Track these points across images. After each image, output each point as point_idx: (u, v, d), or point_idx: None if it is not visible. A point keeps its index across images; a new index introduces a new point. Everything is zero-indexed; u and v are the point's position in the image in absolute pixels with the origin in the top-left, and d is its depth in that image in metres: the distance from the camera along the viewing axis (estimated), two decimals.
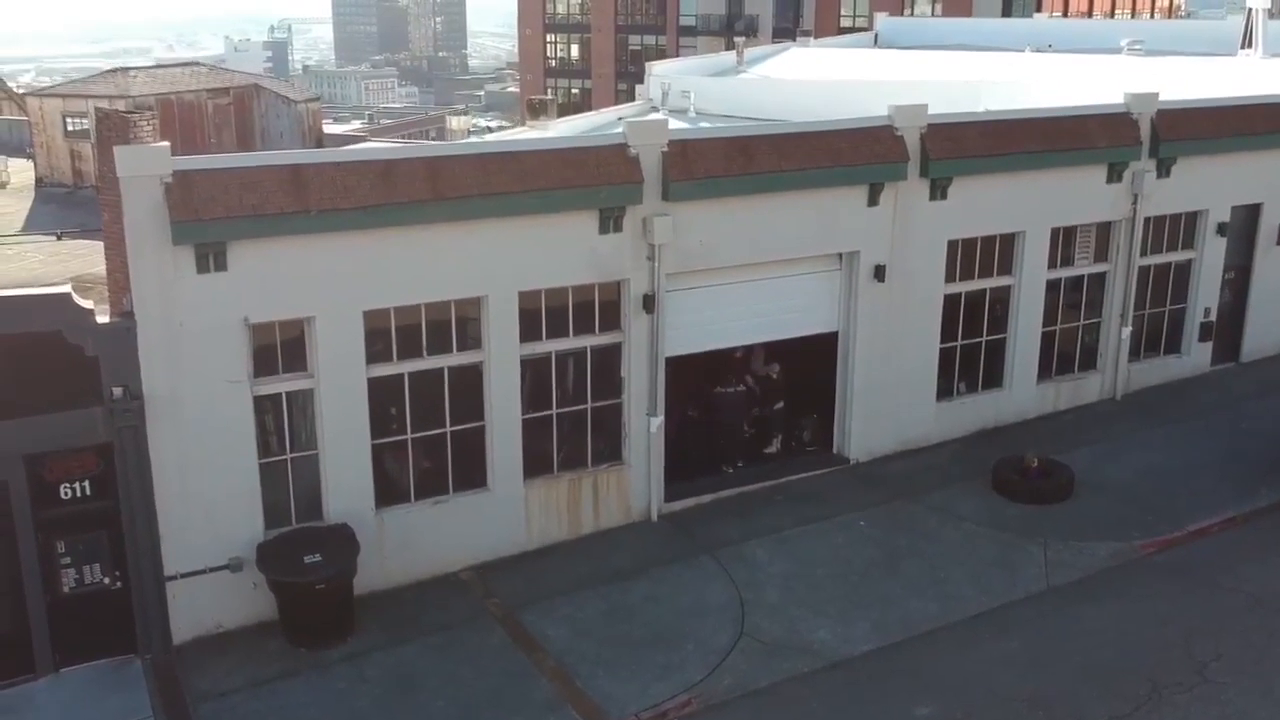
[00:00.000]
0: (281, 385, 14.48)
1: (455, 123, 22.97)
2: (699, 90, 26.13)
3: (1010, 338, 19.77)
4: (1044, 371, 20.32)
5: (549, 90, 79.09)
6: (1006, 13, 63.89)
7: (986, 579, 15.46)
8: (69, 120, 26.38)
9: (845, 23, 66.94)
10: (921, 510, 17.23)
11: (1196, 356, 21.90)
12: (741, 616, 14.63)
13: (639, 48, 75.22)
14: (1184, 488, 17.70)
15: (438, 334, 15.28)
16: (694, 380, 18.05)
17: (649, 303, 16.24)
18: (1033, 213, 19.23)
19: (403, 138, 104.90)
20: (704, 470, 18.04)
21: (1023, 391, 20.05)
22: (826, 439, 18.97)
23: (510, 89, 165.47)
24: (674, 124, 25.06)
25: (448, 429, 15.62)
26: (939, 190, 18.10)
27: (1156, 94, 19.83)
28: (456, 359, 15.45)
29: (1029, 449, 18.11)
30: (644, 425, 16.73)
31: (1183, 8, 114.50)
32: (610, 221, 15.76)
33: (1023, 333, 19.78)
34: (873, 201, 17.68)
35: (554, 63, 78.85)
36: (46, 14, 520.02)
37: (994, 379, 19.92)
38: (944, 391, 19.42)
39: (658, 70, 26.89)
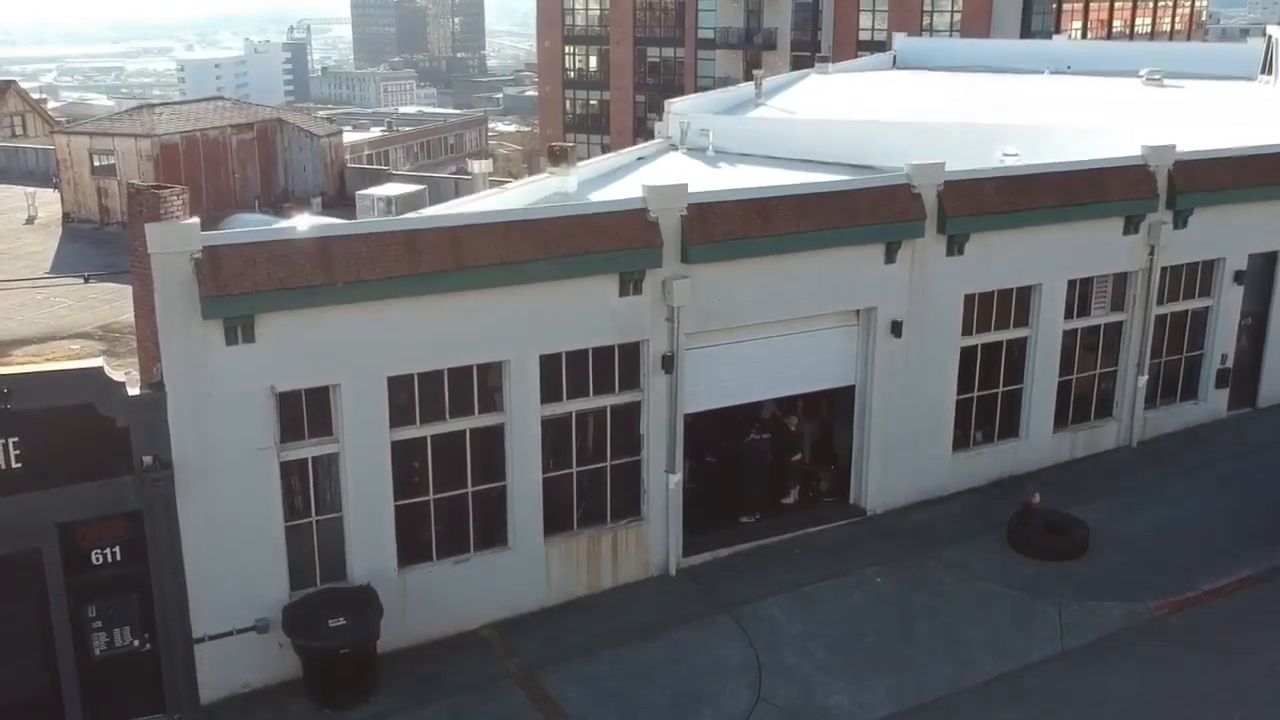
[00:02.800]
0: (307, 450, 14.76)
1: (477, 166, 23.12)
2: (717, 129, 26.30)
3: (1026, 388, 19.88)
4: (1060, 420, 20.42)
5: (567, 101, 79.39)
6: (1026, 31, 63.73)
7: (1001, 641, 15.62)
8: (96, 157, 26.81)
9: (864, 36, 66.95)
10: (937, 566, 17.38)
11: (1213, 402, 21.96)
12: (759, 680, 14.82)
13: (657, 60, 75.33)
14: (1199, 544, 17.79)
15: (460, 397, 15.52)
16: (713, 430, 18.26)
17: (668, 363, 16.45)
18: (1049, 265, 19.35)
19: (423, 144, 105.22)
20: (722, 520, 18.24)
21: (1039, 440, 20.16)
22: (844, 489, 19.14)
23: (529, 92, 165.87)
24: (692, 163, 25.50)
25: (469, 489, 15.87)
26: (956, 246, 18.25)
27: (1173, 146, 19.91)
28: (478, 421, 15.70)
29: (1043, 500, 18.21)
30: (663, 482, 16.94)
31: (1205, 10, 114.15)
32: (630, 284, 15.97)
33: (1039, 383, 19.90)
34: (890, 258, 17.84)
35: (572, 74, 78.98)
36: (69, 9, 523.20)
37: (1010, 428, 20.04)
38: (960, 442, 19.56)
39: (676, 108, 27.05)
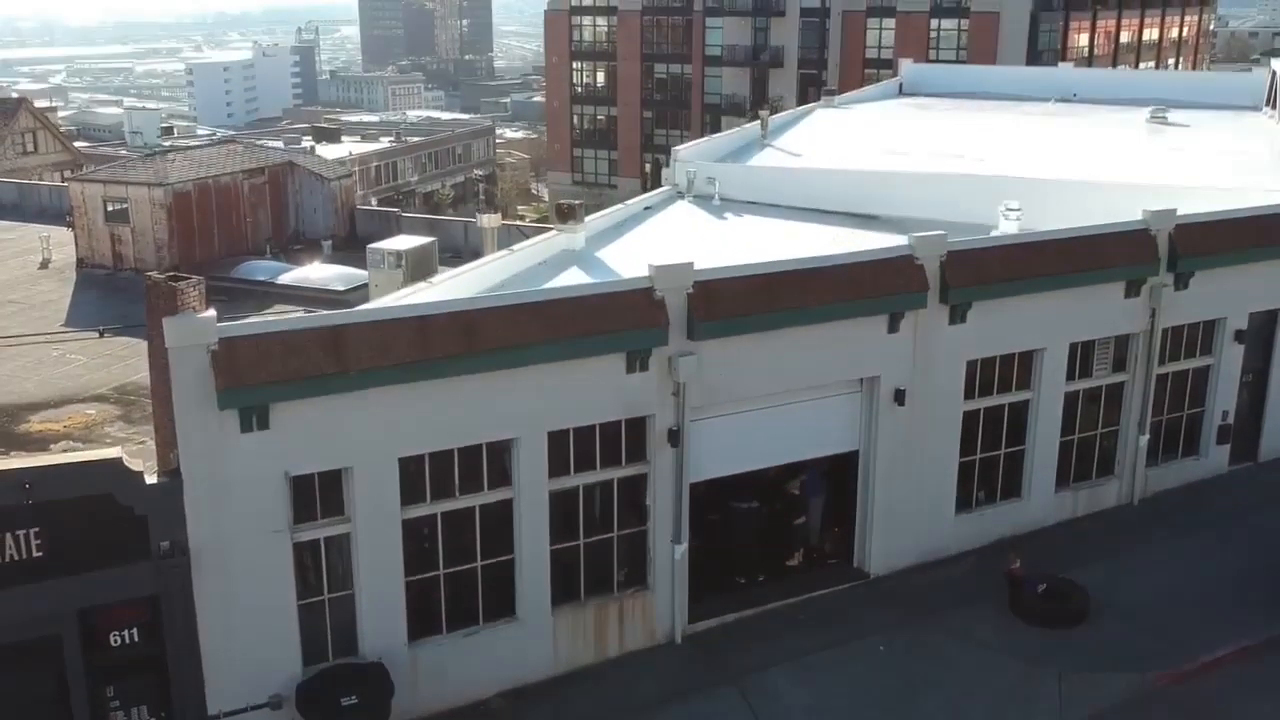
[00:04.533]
0: (320, 531, 15.07)
1: (485, 220, 23.38)
2: (723, 177, 26.55)
3: (1029, 449, 20.12)
4: (1062, 479, 20.64)
5: (574, 116, 79.66)
6: (1033, 46, 63.91)
7: (1002, 713, 15.87)
8: (109, 204, 27.13)
9: (870, 54, 67.23)
10: (939, 633, 17.61)
11: (1215, 458, 22.16)
12: None
13: (665, 76, 75.65)
14: (1200, 610, 17.98)
15: (470, 474, 15.81)
16: (713, 493, 18.55)
17: (674, 437, 16.73)
18: (1051, 329, 19.58)
19: (430, 155, 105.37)
20: (725, 582, 18.52)
21: (1041, 500, 20.40)
22: (847, 550, 19.40)
23: (536, 98, 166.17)
24: (698, 213, 25.76)
25: (478, 563, 16.17)
26: (959, 314, 18.49)
27: (1174, 210, 20.12)
28: (487, 497, 15.99)
29: (1043, 563, 18.50)
30: (669, 551, 17.21)
31: (1211, 19, 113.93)
32: (637, 362, 16.25)
33: (1041, 444, 20.13)
34: (893, 328, 18.09)
35: (580, 89, 79.31)
36: (79, 9, 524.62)
37: (1012, 489, 20.27)
38: (963, 503, 19.80)
39: (683, 155, 27.27)
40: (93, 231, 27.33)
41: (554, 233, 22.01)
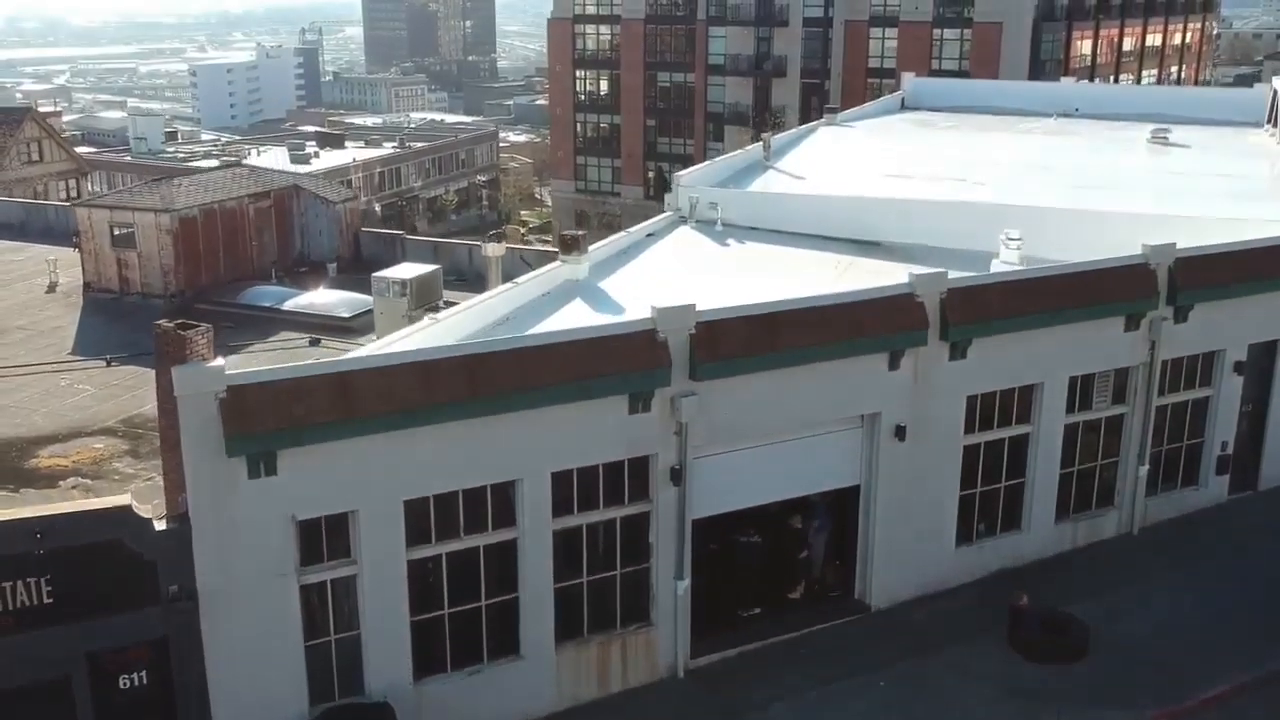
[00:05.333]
0: (326, 574, 15.25)
1: (490, 249, 23.58)
2: (725, 202, 26.69)
3: (1029, 481, 20.26)
4: (1062, 510, 20.78)
5: (578, 124, 79.80)
6: (1035, 54, 64.02)
7: None
8: (116, 229, 27.32)
9: (873, 64, 67.34)
10: (939, 669, 17.75)
11: (1214, 488, 22.29)
12: None
13: (668, 85, 75.80)
14: (1199, 644, 18.12)
15: (474, 514, 15.98)
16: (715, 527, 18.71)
17: (677, 475, 16.90)
18: (1051, 364, 19.72)
19: (434, 160, 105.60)
20: (727, 616, 18.68)
21: (1041, 531, 20.54)
22: (849, 583, 19.55)
23: (539, 101, 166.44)
24: (701, 239, 25.92)
25: (482, 602, 16.34)
26: (959, 351, 18.63)
27: (1174, 244, 20.26)
28: (492, 537, 16.16)
29: (1043, 595, 18.63)
30: (671, 588, 17.38)
31: (1214, 25, 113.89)
32: (640, 402, 16.41)
33: (1041, 476, 20.27)
34: (894, 365, 18.23)
35: (583, 98, 79.46)
36: (82, 6, 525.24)
37: (1012, 521, 20.41)
38: (963, 535, 19.94)
39: (685, 181, 27.42)
40: (99, 256, 27.52)
41: (558, 263, 22.16)
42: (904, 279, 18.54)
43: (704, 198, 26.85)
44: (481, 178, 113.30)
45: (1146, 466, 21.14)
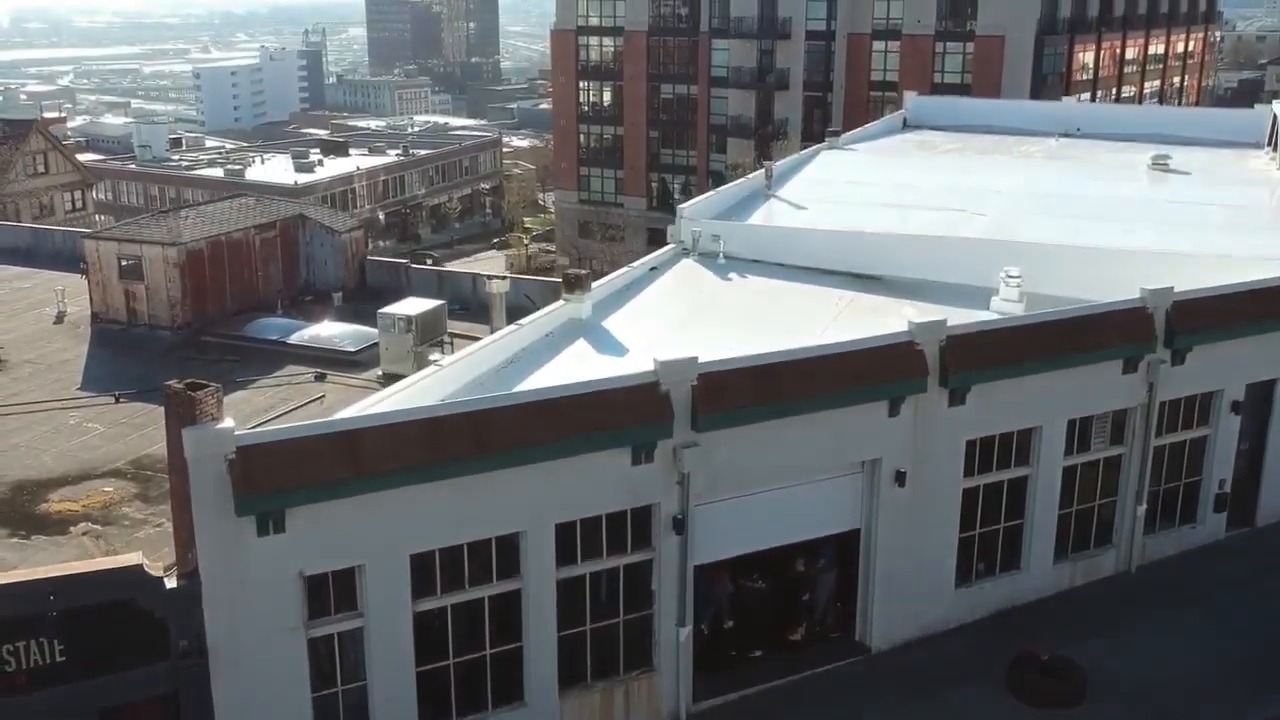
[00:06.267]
0: (334, 627, 15.49)
1: (494, 285, 23.82)
2: (727, 235, 26.89)
3: (1027, 522, 20.45)
4: (1060, 550, 20.96)
5: (581, 135, 80.00)
6: (1038, 70, 64.20)
7: None
8: (123, 261, 27.56)
9: (875, 77, 67.53)
10: (938, 713, 17.97)
11: (1212, 525, 22.48)
12: None
13: (670, 96, 76.00)
14: (1198, 688, 18.30)
15: (479, 566, 16.22)
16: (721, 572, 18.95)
17: (679, 524, 17.11)
18: (1050, 407, 19.91)
19: (437, 168, 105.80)
20: (731, 659, 18.90)
21: (1040, 571, 20.73)
22: (849, 624, 19.77)
23: (543, 105, 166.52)
24: (703, 273, 26.13)
25: (487, 651, 16.57)
26: (958, 397, 18.84)
27: (1171, 288, 20.44)
28: (496, 588, 16.39)
29: (1043, 637, 18.82)
30: (674, 634, 17.60)
31: (1218, 34, 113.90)
32: (643, 454, 16.64)
33: (1040, 517, 20.46)
34: (894, 412, 18.44)
35: (586, 109, 79.69)
36: (86, 7, 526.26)
37: (1011, 561, 20.61)
38: (962, 576, 20.14)
39: (688, 213, 27.62)
40: (107, 287, 27.77)
41: (561, 302, 22.37)
42: (903, 325, 18.76)
43: (706, 230, 27.06)
44: (485, 185, 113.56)
45: (1144, 506, 21.33)
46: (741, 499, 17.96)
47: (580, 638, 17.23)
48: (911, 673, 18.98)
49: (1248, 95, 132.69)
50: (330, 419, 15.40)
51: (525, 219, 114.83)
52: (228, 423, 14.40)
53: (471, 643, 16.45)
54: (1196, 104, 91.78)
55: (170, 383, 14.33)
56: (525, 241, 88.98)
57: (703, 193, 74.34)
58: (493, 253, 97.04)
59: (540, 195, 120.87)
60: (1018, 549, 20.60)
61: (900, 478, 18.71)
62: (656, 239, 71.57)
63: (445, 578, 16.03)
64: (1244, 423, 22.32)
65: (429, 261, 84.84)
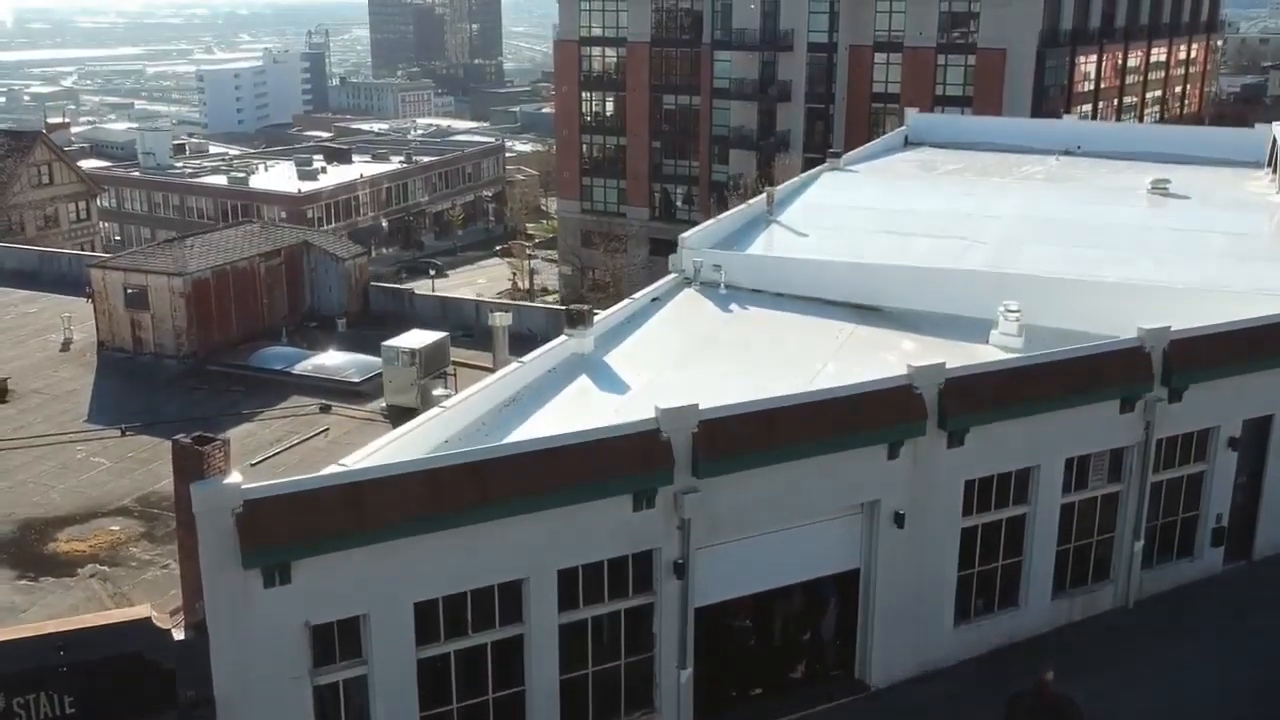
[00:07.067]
0: (338, 674, 15.69)
1: (497, 319, 24.02)
2: (729, 265, 27.09)
3: (1026, 560, 20.62)
4: (1058, 586, 21.12)
5: (584, 145, 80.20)
6: (1040, 83, 64.33)
7: None
8: (129, 290, 27.78)
9: (878, 89, 67.66)
10: None
11: (1209, 559, 22.64)
12: None
13: (673, 107, 76.18)
14: None
15: (482, 613, 16.41)
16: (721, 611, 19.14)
17: (680, 569, 17.31)
18: (1048, 447, 20.07)
19: (440, 175, 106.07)
20: (731, 698, 19.11)
21: (1038, 607, 20.90)
22: (849, 661, 19.96)
23: (545, 109, 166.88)
24: (705, 304, 26.32)
25: (490, 695, 16.77)
26: (957, 439, 19.02)
27: (1168, 328, 20.60)
28: (499, 633, 16.59)
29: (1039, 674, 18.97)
30: (674, 676, 17.79)
31: (1224, 29, 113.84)
32: (644, 500, 16.83)
33: (1038, 554, 20.62)
34: (893, 455, 18.63)
35: (589, 119, 79.88)
36: (90, 6, 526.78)
37: (1010, 598, 20.78)
38: (961, 614, 20.32)
39: (690, 243, 27.81)
40: (113, 316, 27.99)
41: (563, 337, 22.56)
42: (903, 362, 18.96)
43: (708, 260, 27.25)
44: (488, 192, 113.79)
45: (1142, 541, 21.51)
46: (742, 541, 18.14)
47: (582, 681, 17.42)
48: (911, 710, 19.16)
49: (1250, 100, 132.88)
50: (335, 471, 15.58)
51: (528, 225, 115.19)
52: (235, 477, 14.60)
53: (474, 687, 16.64)
54: (1199, 112, 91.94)
55: (178, 438, 14.53)
56: (528, 249, 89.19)
57: (705, 202, 74.54)
58: (495, 261, 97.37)
59: (543, 201, 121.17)
60: (1016, 586, 20.77)
61: (899, 519, 18.89)
62: (659, 249, 72.24)
63: (449, 624, 16.22)
64: (1241, 458, 22.48)
65: (431, 272, 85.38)
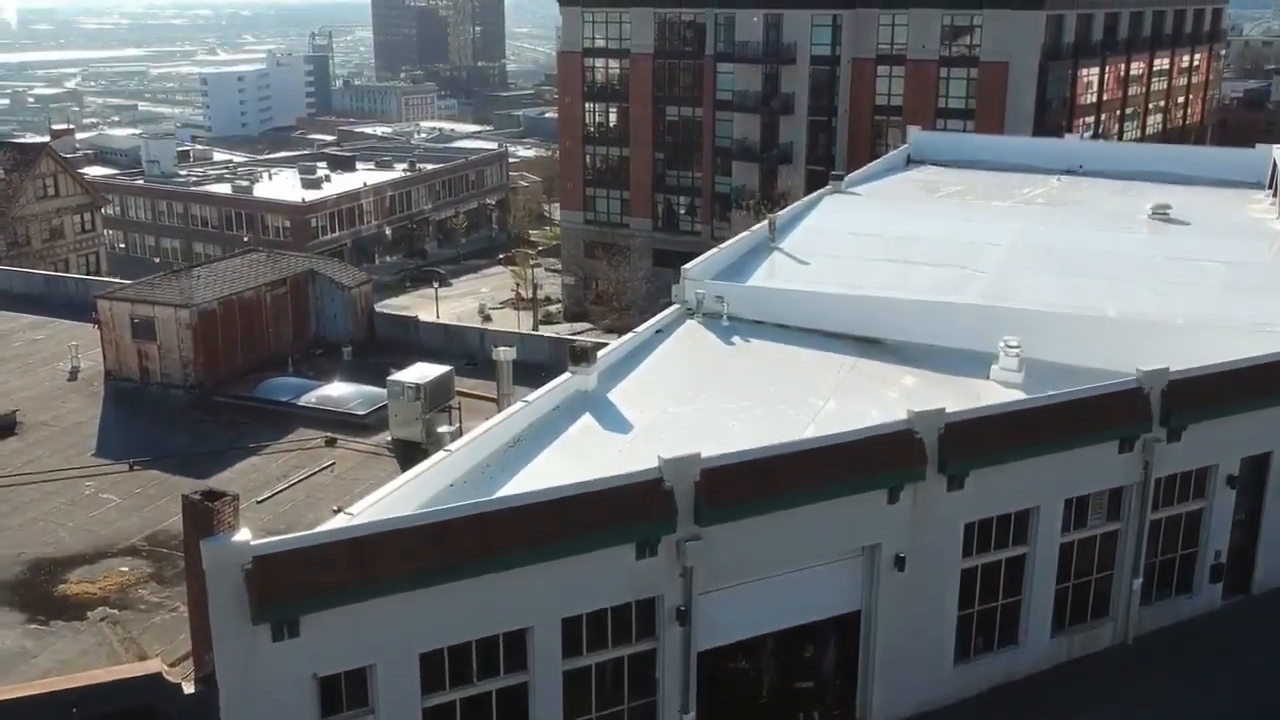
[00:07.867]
0: None
1: (501, 354, 24.21)
2: (731, 296, 27.28)
3: (1025, 599, 20.80)
4: (1058, 624, 21.30)
5: (587, 156, 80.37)
6: (1042, 95, 64.44)
7: None
8: (136, 320, 27.99)
9: (880, 101, 67.80)
10: None
11: (1207, 595, 22.80)
12: None
13: (676, 119, 76.35)
14: None
15: (487, 661, 16.62)
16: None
17: (683, 616, 17.51)
18: (1047, 488, 20.24)
19: (444, 183, 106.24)
20: None
21: (1037, 645, 21.07)
22: (850, 701, 20.14)
23: (549, 114, 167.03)
24: (707, 335, 26.52)
25: None
26: (957, 482, 19.20)
27: (1167, 369, 20.76)
28: (504, 681, 16.80)
29: (1039, 713, 19.16)
30: None
31: (1229, 19, 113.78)
32: (646, 549, 17.03)
33: (1038, 593, 20.80)
34: (893, 499, 18.81)
35: (592, 130, 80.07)
36: (94, 8, 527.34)
37: (1009, 636, 20.95)
38: (961, 653, 20.50)
39: (692, 274, 28.00)
40: (120, 346, 28.22)
41: (567, 375, 22.76)
42: (904, 401, 19.14)
43: (710, 292, 27.46)
44: (491, 199, 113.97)
45: (1140, 579, 21.68)
46: (744, 586, 18.34)
47: None
48: None
49: (1254, 105, 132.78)
50: (342, 526, 15.78)
51: (531, 232, 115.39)
52: (244, 534, 14.82)
53: None
54: (1201, 121, 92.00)
55: (189, 495, 14.74)
56: (531, 262, 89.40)
57: (707, 213, 74.63)
58: (499, 269, 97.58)
59: (546, 208, 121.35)
60: (1016, 624, 20.95)
61: (900, 562, 19.08)
62: (662, 260, 72.53)
63: (454, 673, 16.42)
64: (1240, 496, 22.64)
65: (435, 284, 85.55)
